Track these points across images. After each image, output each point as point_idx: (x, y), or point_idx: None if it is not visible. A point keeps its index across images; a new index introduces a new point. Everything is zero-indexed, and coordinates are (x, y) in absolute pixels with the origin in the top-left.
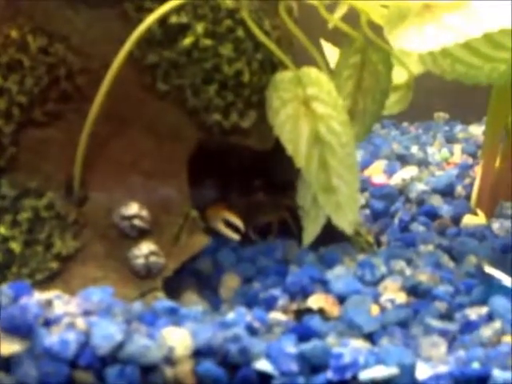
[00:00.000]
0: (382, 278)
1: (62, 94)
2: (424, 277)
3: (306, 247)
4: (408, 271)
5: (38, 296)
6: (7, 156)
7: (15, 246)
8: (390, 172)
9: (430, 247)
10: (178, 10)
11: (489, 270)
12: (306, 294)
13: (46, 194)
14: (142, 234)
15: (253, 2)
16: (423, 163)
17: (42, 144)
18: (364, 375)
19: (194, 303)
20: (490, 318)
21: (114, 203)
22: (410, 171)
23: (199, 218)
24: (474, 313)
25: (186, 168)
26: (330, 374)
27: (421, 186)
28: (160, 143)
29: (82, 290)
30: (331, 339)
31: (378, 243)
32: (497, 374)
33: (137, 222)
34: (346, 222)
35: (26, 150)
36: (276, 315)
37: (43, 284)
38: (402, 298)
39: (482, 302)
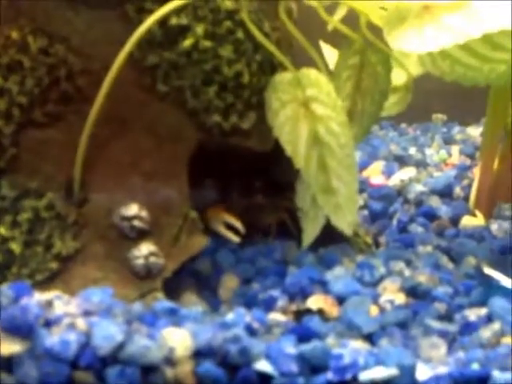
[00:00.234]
0: (381, 278)
1: (63, 94)
2: (423, 278)
3: (305, 248)
4: (407, 272)
5: (39, 296)
6: (7, 157)
7: (15, 247)
8: (388, 173)
9: (429, 248)
10: (178, 11)
11: (488, 271)
12: (305, 294)
13: (46, 195)
14: (141, 235)
15: (252, 3)
16: (421, 164)
17: (42, 145)
18: (364, 376)
19: (193, 304)
20: (489, 319)
21: (113, 204)
22: (408, 172)
23: (198, 219)
24: (473, 314)
25: (186, 169)
26: (329, 375)
27: (419, 187)
28: (160, 144)
29: (82, 291)
30: (331, 340)
31: (377, 244)
32: (496, 374)
33: (136, 222)
34: (345, 223)
35: (26, 150)
36: (275, 316)
37: (43, 284)
38: (401, 298)
39: (482, 303)
